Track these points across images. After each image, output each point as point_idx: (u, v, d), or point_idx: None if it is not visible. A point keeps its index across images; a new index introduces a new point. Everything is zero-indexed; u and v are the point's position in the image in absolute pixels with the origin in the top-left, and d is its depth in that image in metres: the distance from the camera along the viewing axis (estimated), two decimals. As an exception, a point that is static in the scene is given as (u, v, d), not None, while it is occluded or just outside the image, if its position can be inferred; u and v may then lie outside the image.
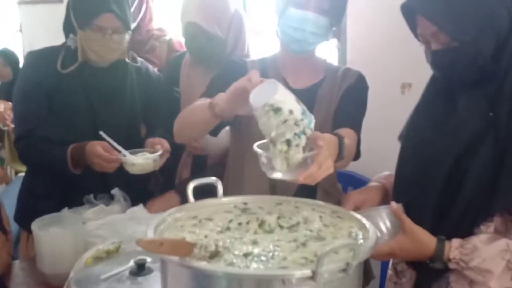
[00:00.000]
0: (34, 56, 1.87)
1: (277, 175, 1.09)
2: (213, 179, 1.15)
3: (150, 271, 1.16)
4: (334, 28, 1.48)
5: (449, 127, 1.17)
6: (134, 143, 1.76)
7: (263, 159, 1.10)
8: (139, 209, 1.62)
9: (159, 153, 1.69)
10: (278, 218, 1.07)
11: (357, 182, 2.33)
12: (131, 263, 1.18)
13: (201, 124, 1.37)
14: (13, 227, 2.07)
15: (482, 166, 1.11)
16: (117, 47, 1.76)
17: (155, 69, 2.00)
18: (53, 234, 1.49)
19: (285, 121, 1.04)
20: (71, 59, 1.78)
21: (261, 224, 1.04)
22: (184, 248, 0.88)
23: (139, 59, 1.92)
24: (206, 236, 0.99)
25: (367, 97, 1.56)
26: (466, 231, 1.13)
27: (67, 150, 1.70)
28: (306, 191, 1.34)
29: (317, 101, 1.50)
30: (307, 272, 0.81)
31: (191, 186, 1.12)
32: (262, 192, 1.32)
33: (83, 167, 1.71)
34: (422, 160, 1.21)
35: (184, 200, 1.14)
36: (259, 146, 1.12)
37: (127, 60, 1.84)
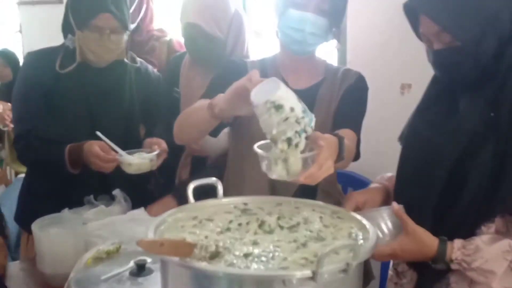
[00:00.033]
0: (32, 57, 1.87)
1: (278, 176, 1.09)
2: (213, 179, 1.15)
3: (150, 271, 1.16)
4: (334, 29, 1.48)
5: (450, 127, 1.17)
6: (133, 144, 1.77)
7: (264, 160, 1.10)
8: (140, 212, 1.62)
9: (155, 153, 1.70)
10: (278, 218, 1.07)
11: (356, 182, 2.33)
12: (131, 263, 1.18)
13: (201, 125, 1.38)
14: (14, 227, 2.07)
15: (483, 167, 1.11)
16: (115, 47, 1.76)
17: (155, 70, 2.00)
18: (53, 234, 1.49)
19: (287, 118, 1.04)
20: (70, 59, 1.78)
21: (261, 224, 1.04)
22: (184, 249, 0.88)
23: (138, 59, 1.92)
24: (206, 237, 0.99)
25: (367, 97, 1.56)
26: (467, 232, 1.13)
27: (65, 149, 1.70)
28: (306, 191, 1.34)
29: (317, 102, 1.50)
30: (308, 272, 0.81)
31: (191, 187, 1.12)
32: (262, 193, 1.32)
33: (81, 167, 1.71)
34: (423, 160, 1.21)
35: (181, 204, 1.14)
36: (260, 147, 1.12)
37: (125, 60, 1.84)
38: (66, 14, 1.80)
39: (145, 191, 1.93)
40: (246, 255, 0.91)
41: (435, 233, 1.14)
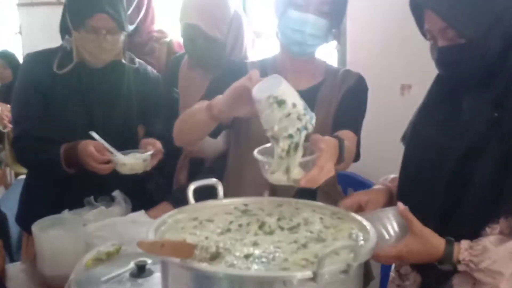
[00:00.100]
0: (31, 58, 1.89)
1: (278, 180, 1.10)
2: (213, 180, 1.15)
3: (151, 272, 1.16)
4: (333, 30, 1.48)
5: (454, 127, 1.15)
6: (131, 144, 1.77)
7: (264, 165, 1.11)
8: (140, 214, 1.62)
9: (149, 153, 1.70)
10: (279, 219, 1.07)
11: (357, 183, 2.34)
12: (132, 264, 1.18)
13: (200, 127, 1.38)
14: (16, 229, 2.08)
15: (487, 168, 1.10)
16: (112, 47, 1.76)
17: (154, 71, 2.00)
18: (54, 235, 1.49)
19: (289, 114, 1.04)
20: (67, 60, 1.79)
21: (261, 225, 1.04)
22: (185, 250, 0.88)
23: (137, 60, 1.92)
24: (206, 238, 0.99)
25: (366, 98, 1.56)
26: (471, 233, 1.12)
27: (60, 149, 1.71)
28: (306, 192, 1.33)
29: (317, 103, 1.50)
30: (308, 273, 0.81)
31: (191, 188, 1.12)
32: (263, 193, 1.32)
33: (76, 167, 1.71)
34: (426, 161, 1.20)
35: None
36: (260, 152, 1.12)
37: (123, 61, 1.84)
38: (63, 15, 1.81)
39: (145, 192, 1.93)
40: (246, 256, 0.91)
41: (439, 234, 1.12)
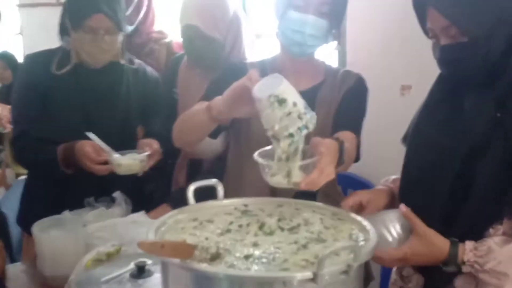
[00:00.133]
0: (30, 59, 1.90)
1: (279, 183, 1.10)
2: (213, 181, 1.15)
3: (151, 273, 1.16)
4: (333, 31, 1.48)
5: (456, 127, 1.14)
6: (130, 145, 1.77)
7: (264, 168, 1.11)
8: (140, 215, 1.62)
9: (145, 154, 1.70)
10: (279, 220, 1.07)
11: (357, 184, 2.34)
12: (132, 265, 1.18)
13: (199, 128, 1.38)
14: (15, 230, 2.08)
15: (491, 168, 1.09)
16: (110, 48, 1.77)
17: (154, 71, 2.00)
18: (54, 236, 1.49)
19: (289, 113, 1.05)
20: (66, 60, 1.80)
21: (262, 226, 1.04)
22: (185, 250, 0.88)
23: (137, 61, 1.92)
24: (206, 238, 0.99)
25: (367, 99, 1.55)
26: (475, 234, 1.10)
27: (58, 149, 1.71)
28: (306, 193, 1.33)
29: (317, 103, 1.50)
30: (308, 274, 0.81)
31: (191, 188, 1.12)
32: (262, 195, 1.32)
33: (74, 167, 1.72)
34: (429, 162, 1.19)
35: None
36: (260, 154, 1.12)
37: (122, 62, 1.84)
38: (62, 16, 1.81)
39: (145, 193, 1.93)
40: (246, 257, 0.91)
41: (441, 235, 1.11)
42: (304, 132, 1.07)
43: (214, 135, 1.48)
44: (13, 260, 2.16)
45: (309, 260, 0.90)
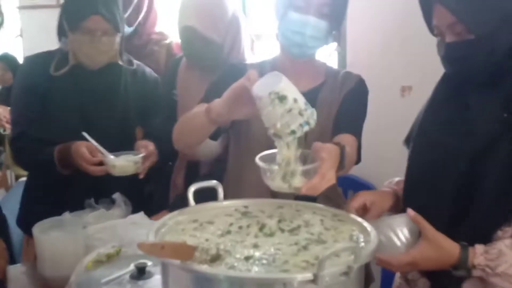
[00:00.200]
0: (29, 61, 1.91)
1: (280, 188, 1.10)
2: (213, 182, 1.15)
3: (151, 274, 1.16)
4: (334, 32, 1.48)
5: (461, 128, 1.13)
6: (128, 146, 1.77)
7: (265, 172, 1.11)
8: (140, 216, 1.62)
9: (140, 155, 1.71)
10: (279, 221, 1.07)
11: (357, 185, 2.34)
12: (132, 266, 1.18)
13: (199, 131, 1.38)
14: (16, 231, 2.08)
15: (498, 170, 1.07)
16: (107, 49, 1.77)
17: (153, 72, 2.00)
18: (54, 237, 1.49)
19: (290, 110, 1.05)
20: (64, 62, 1.80)
21: (262, 227, 1.04)
22: (185, 252, 0.88)
23: (136, 62, 1.92)
24: (207, 240, 0.99)
25: (367, 101, 1.55)
26: (483, 236, 1.09)
27: (55, 150, 1.71)
28: (307, 196, 1.33)
29: (317, 105, 1.49)
30: (309, 275, 0.81)
31: (191, 190, 1.12)
32: (263, 196, 1.32)
33: (70, 168, 1.72)
34: (434, 163, 1.17)
35: None
36: (261, 158, 1.12)
37: (120, 63, 1.84)
38: (60, 17, 1.82)
39: (145, 194, 1.93)
40: (247, 258, 0.91)
41: (448, 238, 1.10)
42: (306, 128, 1.08)
43: (214, 136, 1.48)
44: (13, 261, 2.16)
45: (310, 261, 0.90)
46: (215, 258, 0.90)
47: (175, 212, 1.10)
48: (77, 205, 1.69)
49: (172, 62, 2.09)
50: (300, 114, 1.06)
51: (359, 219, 1.07)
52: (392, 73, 2.32)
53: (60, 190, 1.80)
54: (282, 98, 1.05)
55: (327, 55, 1.61)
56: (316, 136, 1.34)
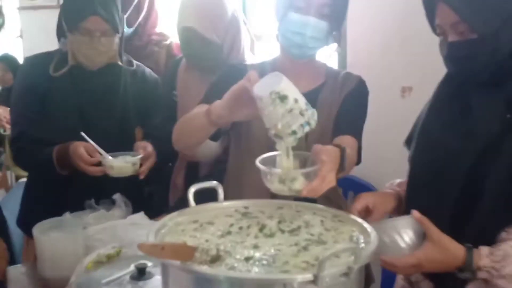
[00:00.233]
0: (28, 61, 1.91)
1: (280, 191, 1.10)
2: (214, 183, 1.15)
3: (151, 275, 1.16)
4: (334, 32, 1.48)
5: (464, 128, 1.13)
6: (128, 146, 1.77)
7: (266, 174, 1.11)
8: (140, 216, 1.62)
9: (138, 157, 1.71)
10: (279, 222, 1.07)
11: (357, 186, 2.34)
12: (132, 267, 1.18)
13: (199, 132, 1.38)
14: (17, 232, 2.08)
15: (502, 170, 1.07)
16: (106, 50, 1.77)
17: (153, 73, 2.00)
18: (54, 238, 1.49)
19: (291, 110, 1.05)
20: (64, 63, 1.80)
21: (262, 228, 1.04)
22: (185, 252, 0.88)
23: (135, 62, 1.93)
24: (207, 240, 0.99)
25: (367, 102, 1.55)
26: (487, 238, 1.08)
27: (53, 150, 1.71)
28: (307, 198, 1.33)
29: (318, 106, 1.49)
30: (309, 276, 0.81)
31: (192, 190, 1.12)
32: (263, 197, 1.32)
33: (69, 168, 1.72)
34: (437, 164, 1.17)
35: None
36: (262, 161, 1.12)
37: (120, 63, 1.84)
38: (59, 18, 1.82)
39: (145, 195, 1.93)
40: (247, 259, 0.91)
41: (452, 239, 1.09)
42: (307, 128, 1.08)
43: (214, 137, 1.48)
44: (13, 262, 2.16)
45: (310, 262, 0.90)
46: (215, 259, 0.90)
47: (175, 213, 1.10)
48: (77, 206, 1.69)
49: (172, 63, 2.10)
50: (301, 114, 1.06)
51: (359, 220, 1.07)
52: (392, 73, 2.32)
53: (60, 190, 1.80)
54: (283, 98, 1.05)
55: (328, 56, 1.61)
56: (317, 137, 1.34)
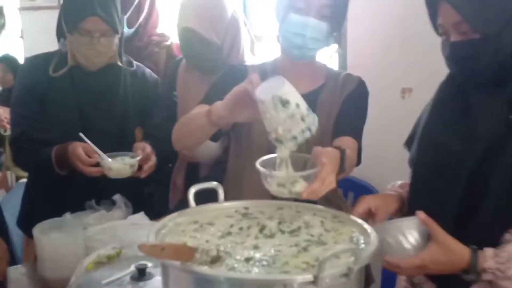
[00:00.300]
0: (28, 62, 1.92)
1: (280, 193, 1.10)
2: (214, 184, 1.15)
3: (151, 276, 1.16)
4: (334, 34, 1.48)
5: (466, 129, 1.12)
6: (127, 147, 1.77)
7: (266, 177, 1.11)
8: (140, 217, 1.62)
9: (137, 158, 1.71)
10: (279, 223, 1.07)
11: (357, 187, 2.34)
12: (132, 268, 1.18)
13: (199, 132, 1.38)
14: (17, 232, 2.08)
15: (505, 171, 1.07)
16: (106, 50, 1.77)
17: (153, 73, 2.00)
18: (54, 239, 1.49)
19: (292, 115, 1.05)
20: (64, 63, 1.81)
21: (262, 229, 1.04)
22: (185, 253, 0.88)
23: (135, 63, 1.93)
24: (207, 241, 0.99)
25: (367, 103, 1.55)
26: (491, 239, 1.08)
27: (52, 151, 1.71)
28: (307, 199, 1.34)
29: (318, 107, 1.49)
30: (309, 277, 0.81)
31: (192, 191, 1.12)
32: (263, 198, 1.33)
33: (67, 168, 1.72)
34: (439, 166, 1.16)
35: None
36: (262, 163, 1.12)
37: (119, 64, 1.85)
38: (59, 18, 1.82)
39: (145, 196, 1.93)
40: (247, 259, 0.91)
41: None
42: (307, 134, 1.08)
43: (214, 138, 1.48)
44: (13, 262, 2.16)
45: (310, 262, 0.90)
46: (215, 260, 0.90)
47: (175, 214, 1.10)
48: (77, 206, 1.69)
49: (172, 63, 2.10)
50: (302, 119, 1.06)
51: (359, 221, 1.06)
52: (393, 74, 2.32)
53: (60, 191, 1.80)
54: (285, 103, 1.05)
55: (328, 57, 1.62)
56: (317, 138, 1.34)
